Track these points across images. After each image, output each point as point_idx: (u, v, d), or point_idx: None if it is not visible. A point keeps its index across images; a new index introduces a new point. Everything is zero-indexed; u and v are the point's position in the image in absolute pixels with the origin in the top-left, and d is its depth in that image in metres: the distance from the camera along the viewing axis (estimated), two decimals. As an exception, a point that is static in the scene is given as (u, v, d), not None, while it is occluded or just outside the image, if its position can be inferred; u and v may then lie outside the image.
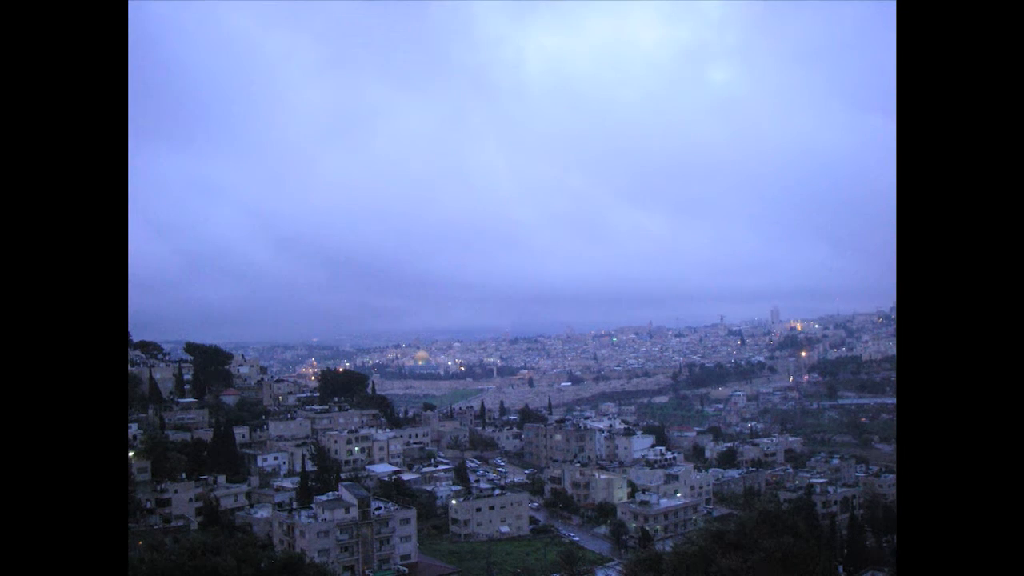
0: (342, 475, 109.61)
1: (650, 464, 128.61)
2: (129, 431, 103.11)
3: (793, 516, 63.71)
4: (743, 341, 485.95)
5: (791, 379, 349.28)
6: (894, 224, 10.46)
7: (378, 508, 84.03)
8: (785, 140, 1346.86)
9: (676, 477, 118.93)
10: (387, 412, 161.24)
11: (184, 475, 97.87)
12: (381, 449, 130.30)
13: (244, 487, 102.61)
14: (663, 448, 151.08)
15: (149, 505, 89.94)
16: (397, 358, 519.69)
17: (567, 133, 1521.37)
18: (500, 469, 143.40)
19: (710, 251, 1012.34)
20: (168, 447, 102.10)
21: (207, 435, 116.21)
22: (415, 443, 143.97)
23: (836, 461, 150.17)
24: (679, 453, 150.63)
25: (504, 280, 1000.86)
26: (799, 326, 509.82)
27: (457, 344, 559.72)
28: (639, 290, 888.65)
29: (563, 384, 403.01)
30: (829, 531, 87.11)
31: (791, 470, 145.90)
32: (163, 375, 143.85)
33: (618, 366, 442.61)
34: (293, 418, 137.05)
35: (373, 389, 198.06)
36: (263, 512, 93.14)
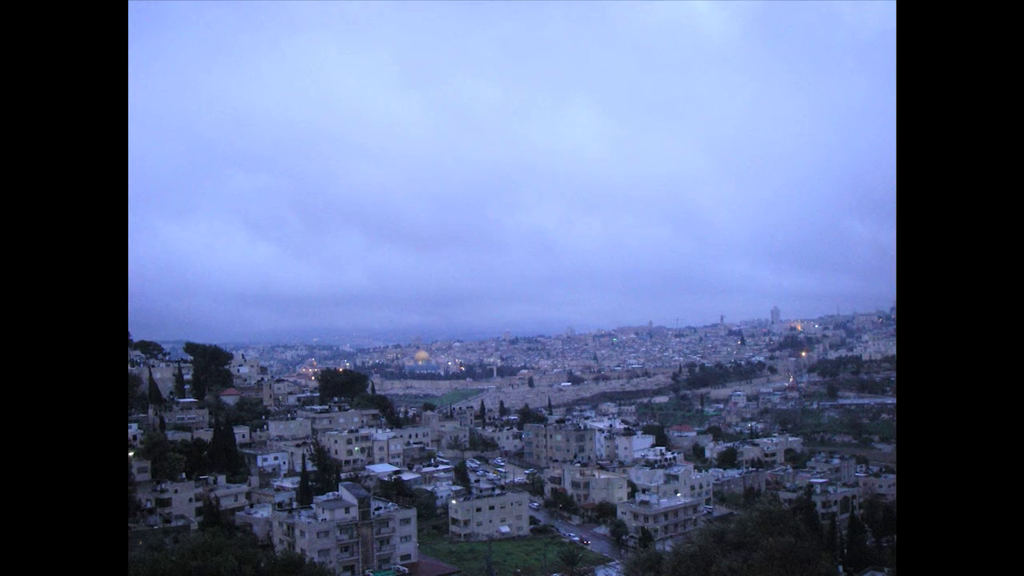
0: (342, 475, 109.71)
1: (650, 464, 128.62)
2: (129, 431, 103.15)
3: (793, 516, 63.72)
4: (743, 341, 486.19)
5: (791, 379, 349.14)
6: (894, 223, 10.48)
7: (378, 508, 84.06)
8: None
9: (676, 477, 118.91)
10: (387, 412, 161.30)
11: (184, 475, 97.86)
12: (381, 449, 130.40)
13: (244, 487, 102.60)
14: (663, 448, 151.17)
15: (149, 505, 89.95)
16: (397, 358, 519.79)
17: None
18: (500, 469, 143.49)
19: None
20: (168, 447, 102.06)
21: (207, 435, 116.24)
22: (415, 443, 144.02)
23: (836, 461, 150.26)
24: (679, 453, 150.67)
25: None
26: (799, 326, 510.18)
27: (457, 344, 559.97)
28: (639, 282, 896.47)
29: (563, 384, 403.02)
30: (829, 531, 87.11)
31: (791, 470, 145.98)
32: (163, 375, 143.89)
33: (618, 366, 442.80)
34: (293, 418, 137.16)
35: (373, 389, 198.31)
36: (263, 512, 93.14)
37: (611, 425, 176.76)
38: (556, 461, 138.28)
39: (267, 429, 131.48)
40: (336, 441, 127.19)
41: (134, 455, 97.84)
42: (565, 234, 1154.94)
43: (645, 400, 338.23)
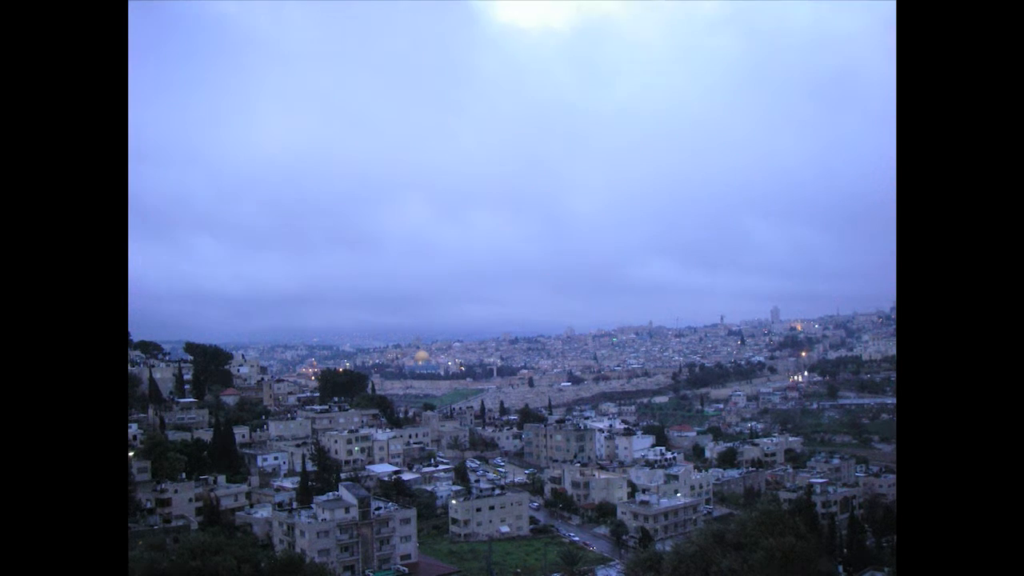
0: (342, 475, 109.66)
1: (650, 464, 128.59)
2: (129, 431, 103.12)
3: (793, 516, 63.78)
4: (743, 341, 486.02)
5: (791, 379, 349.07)
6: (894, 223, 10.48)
7: (378, 508, 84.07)
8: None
9: (676, 477, 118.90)
10: (387, 412, 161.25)
11: (184, 475, 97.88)
12: (381, 449, 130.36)
13: (244, 487, 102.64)
14: (663, 448, 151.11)
15: (149, 505, 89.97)
16: (397, 358, 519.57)
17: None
18: (500, 469, 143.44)
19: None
20: (168, 447, 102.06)
21: (207, 435, 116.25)
22: (415, 443, 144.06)
23: (836, 461, 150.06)
24: (679, 453, 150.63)
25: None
26: (799, 326, 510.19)
27: (457, 344, 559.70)
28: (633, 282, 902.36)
29: (563, 384, 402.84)
30: (829, 531, 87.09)
31: (791, 470, 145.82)
32: (163, 375, 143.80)
33: (618, 366, 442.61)
34: (293, 418, 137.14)
35: (373, 389, 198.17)
36: (263, 512, 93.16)
37: (611, 425, 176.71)
38: (556, 461, 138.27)
39: (267, 429, 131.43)
40: (336, 441, 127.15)
41: (134, 455, 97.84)
42: (435, 234, 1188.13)
43: (645, 400, 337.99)
